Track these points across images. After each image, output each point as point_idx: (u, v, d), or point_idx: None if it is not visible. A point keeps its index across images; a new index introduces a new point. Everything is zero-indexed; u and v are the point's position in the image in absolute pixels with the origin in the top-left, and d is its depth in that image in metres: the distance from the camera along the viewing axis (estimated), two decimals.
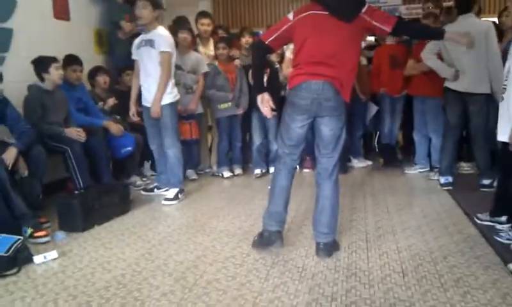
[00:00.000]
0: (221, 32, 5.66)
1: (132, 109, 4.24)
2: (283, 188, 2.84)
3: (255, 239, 2.95)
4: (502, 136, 2.97)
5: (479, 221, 3.26)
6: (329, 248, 2.80)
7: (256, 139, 5.01)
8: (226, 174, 5.01)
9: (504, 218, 3.14)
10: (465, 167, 4.91)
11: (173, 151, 4.09)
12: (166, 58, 3.95)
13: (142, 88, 4.13)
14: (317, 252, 2.80)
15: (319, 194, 2.81)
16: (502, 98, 3.00)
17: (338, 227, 2.99)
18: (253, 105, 4.83)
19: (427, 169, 4.93)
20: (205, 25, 5.17)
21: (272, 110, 2.82)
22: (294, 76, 2.71)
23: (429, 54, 4.24)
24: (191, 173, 4.95)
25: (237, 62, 5.06)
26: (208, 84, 4.87)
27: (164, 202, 4.04)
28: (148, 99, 4.06)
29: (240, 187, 4.66)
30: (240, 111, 4.96)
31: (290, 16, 2.72)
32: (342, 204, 3.71)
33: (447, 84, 4.15)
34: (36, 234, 3.13)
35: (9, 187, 3.15)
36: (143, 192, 4.41)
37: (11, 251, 2.68)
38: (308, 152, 4.52)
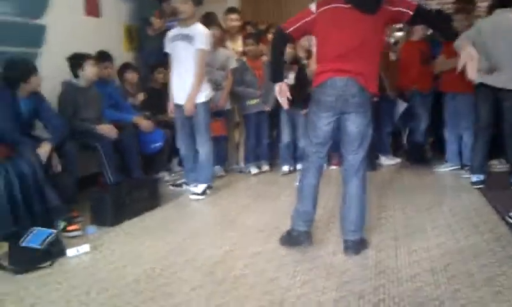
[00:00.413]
0: (249, 29, 5.67)
1: (171, 106, 4.20)
2: (312, 187, 2.83)
3: (283, 236, 2.96)
4: None
5: (510, 220, 3.19)
6: (357, 246, 2.79)
7: (285, 136, 4.99)
8: (254, 170, 5.03)
9: None
10: (497, 165, 4.79)
11: (204, 150, 4.12)
12: (202, 56, 3.97)
13: (174, 84, 4.11)
14: (345, 250, 2.80)
15: (345, 191, 2.79)
16: None
17: (367, 225, 2.97)
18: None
19: (458, 167, 4.84)
20: (234, 20, 5.18)
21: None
22: (318, 73, 2.70)
23: (460, 41, 4.07)
24: (218, 169, 4.98)
25: (264, 58, 5.06)
26: (236, 79, 4.89)
27: (191, 196, 4.08)
28: (182, 97, 4.04)
29: (267, 183, 4.67)
30: (267, 108, 4.96)
31: (313, 7, 2.67)
32: (370, 202, 3.69)
33: (482, 80, 4.04)
34: (68, 228, 3.22)
35: (44, 182, 3.24)
36: (171, 187, 4.47)
37: (45, 244, 2.76)
38: (336, 149, 4.49)
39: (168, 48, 4.12)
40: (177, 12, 4.01)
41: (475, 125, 4.29)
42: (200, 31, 3.98)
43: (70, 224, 3.24)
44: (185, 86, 3.98)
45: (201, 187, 4.12)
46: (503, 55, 3.90)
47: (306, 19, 2.68)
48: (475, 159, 4.26)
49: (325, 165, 3.70)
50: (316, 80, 2.70)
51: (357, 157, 2.73)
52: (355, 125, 2.67)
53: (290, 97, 2.84)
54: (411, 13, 2.59)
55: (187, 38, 3.95)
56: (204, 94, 4.06)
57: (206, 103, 4.08)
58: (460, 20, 4.58)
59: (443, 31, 2.69)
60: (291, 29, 2.72)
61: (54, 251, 2.81)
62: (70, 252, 2.87)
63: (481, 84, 4.05)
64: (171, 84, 4.16)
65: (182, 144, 4.26)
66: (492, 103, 4.06)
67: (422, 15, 2.67)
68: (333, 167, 5.04)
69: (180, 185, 4.46)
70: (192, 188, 4.21)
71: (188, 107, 3.98)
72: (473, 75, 2.55)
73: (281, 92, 2.83)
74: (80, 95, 3.94)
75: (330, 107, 2.65)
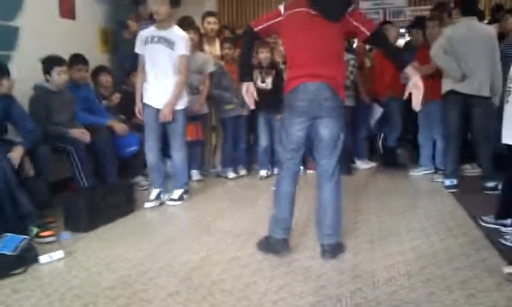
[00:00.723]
0: (227, 33, 5.67)
1: (139, 105, 4.00)
2: (288, 194, 2.83)
3: (261, 242, 2.95)
4: (507, 139, 2.97)
5: (483, 224, 3.26)
6: (333, 250, 2.80)
7: (263, 140, 5.01)
8: (231, 175, 5.02)
9: (509, 221, 3.14)
10: (469, 170, 4.90)
11: (179, 155, 4.07)
12: (184, 62, 3.92)
13: (149, 86, 3.95)
14: (322, 254, 2.81)
15: (320, 195, 2.81)
16: (507, 101, 3.00)
17: (343, 228, 2.99)
18: (258, 106, 4.85)
19: (431, 171, 4.93)
20: (212, 23, 5.18)
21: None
22: (290, 79, 2.71)
23: (439, 52, 4.17)
24: (195, 173, 4.96)
25: None
26: (214, 83, 4.88)
27: (168, 202, 4.04)
28: (159, 100, 3.92)
29: (245, 188, 4.67)
30: (244, 112, 4.96)
31: (282, 9, 2.69)
32: (346, 206, 3.72)
33: (453, 87, 4.14)
34: (42, 234, 3.15)
35: (16, 186, 3.17)
36: (147, 205, 4.03)
37: (17, 250, 2.70)
38: (312, 153, 4.53)
39: (139, 49, 3.94)
40: (154, 14, 3.90)
41: (446, 131, 4.39)
42: (180, 35, 3.91)
43: (43, 229, 3.17)
44: (165, 90, 3.88)
45: (177, 193, 4.08)
46: (473, 62, 4.01)
47: (275, 20, 2.71)
48: (448, 164, 4.35)
49: (302, 169, 3.72)
50: (288, 86, 2.72)
51: (331, 162, 2.75)
52: (328, 129, 2.69)
53: (256, 97, 2.86)
54: (367, 33, 2.65)
55: (167, 42, 3.85)
56: (184, 100, 4.02)
57: (184, 110, 4.04)
58: (432, 27, 4.68)
59: (393, 60, 2.74)
60: (259, 27, 2.75)
61: (26, 258, 2.74)
62: (43, 258, 2.80)
63: (452, 91, 4.14)
64: (144, 85, 3.97)
65: (150, 151, 4.03)
66: (462, 109, 4.15)
67: (377, 39, 2.73)
68: (310, 171, 5.07)
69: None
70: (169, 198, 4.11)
71: (166, 112, 3.87)
72: (417, 106, 2.60)
73: (247, 92, 2.83)
74: (53, 98, 3.87)
75: (303, 112, 2.66)
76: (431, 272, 2.58)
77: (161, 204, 4.03)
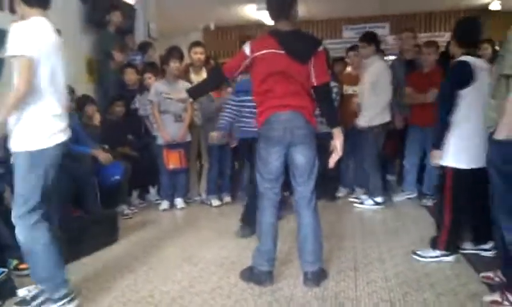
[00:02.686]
0: (212, 63, 5.73)
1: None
2: (271, 225, 2.82)
3: (245, 272, 2.93)
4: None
5: (463, 251, 3.27)
6: (316, 277, 2.79)
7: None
8: (215, 202, 5.00)
9: (488, 245, 3.17)
10: None
11: None
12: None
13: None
14: (305, 282, 2.79)
15: (300, 222, 2.81)
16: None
17: (326, 255, 2.98)
18: None
19: (414, 195, 4.97)
20: (198, 53, 5.23)
21: None
22: (261, 112, 2.74)
23: None
24: (179, 201, 4.93)
25: (229, 90, 5.10)
26: (203, 112, 4.93)
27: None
28: None
29: (229, 215, 4.63)
30: (233, 145, 4.98)
31: (247, 50, 2.72)
32: (330, 231, 3.73)
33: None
34: (20, 266, 3.09)
35: None
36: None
37: None
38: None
39: None
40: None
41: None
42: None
43: (21, 262, 3.11)
44: None
45: None
46: None
47: (244, 63, 2.74)
48: None
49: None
50: (260, 120, 2.75)
51: (307, 188, 2.77)
52: (303, 156, 2.72)
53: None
54: (315, 84, 2.72)
55: None
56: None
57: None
58: (428, 53, 4.76)
59: (327, 116, 2.85)
60: (232, 74, 2.85)
61: (4, 291, 2.69)
62: (21, 292, 2.74)
63: None
64: None
65: None
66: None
67: (322, 93, 2.77)
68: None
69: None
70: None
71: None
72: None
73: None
74: None
75: (278, 141, 2.69)
76: (414, 298, 2.58)
77: None
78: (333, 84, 4.84)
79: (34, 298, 2.55)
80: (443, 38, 8.33)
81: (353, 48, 5.31)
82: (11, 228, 3.19)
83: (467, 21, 3.39)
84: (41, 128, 2.37)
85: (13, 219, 2.45)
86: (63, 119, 2.50)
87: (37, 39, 2.33)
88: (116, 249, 3.64)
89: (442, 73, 4.63)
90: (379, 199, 4.71)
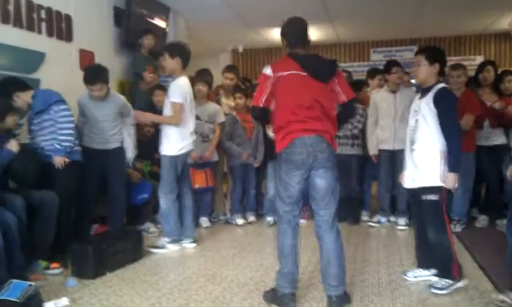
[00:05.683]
0: (248, 85, 5.75)
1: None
2: (292, 247, 2.81)
3: (268, 293, 2.93)
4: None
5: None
6: (340, 301, 2.76)
7: (271, 188, 5.03)
8: (240, 221, 5.03)
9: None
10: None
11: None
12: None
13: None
14: (329, 305, 2.77)
15: (322, 246, 2.80)
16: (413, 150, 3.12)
17: (350, 279, 2.95)
18: (268, 155, 4.91)
19: None
20: (228, 79, 5.33)
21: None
22: (284, 136, 2.74)
23: None
24: (204, 220, 4.98)
25: None
26: (226, 133, 5.00)
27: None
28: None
29: (253, 235, 4.65)
30: (256, 164, 5.03)
31: (268, 71, 2.75)
32: (354, 255, 3.70)
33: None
34: (51, 266, 3.21)
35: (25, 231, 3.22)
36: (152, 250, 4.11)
37: (23, 297, 2.70)
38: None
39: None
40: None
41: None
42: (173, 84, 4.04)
43: (51, 261, 3.23)
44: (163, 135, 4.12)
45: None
46: None
47: (269, 85, 2.75)
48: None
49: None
50: (282, 144, 2.75)
51: (329, 211, 2.77)
52: (325, 179, 2.73)
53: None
54: (345, 100, 2.84)
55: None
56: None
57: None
58: (457, 76, 4.66)
59: (339, 121, 2.92)
60: (262, 101, 2.78)
61: (32, 304, 2.74)
62: (48, 305, 2.81)
63: None
64: None
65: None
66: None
67: (349, 108, 2.92)
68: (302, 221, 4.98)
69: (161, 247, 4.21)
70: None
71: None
72: None
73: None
74: None
75: (301, 165, 2.70)
76: None
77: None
78: (358, 105, 4.84)
79: None
80: (474, 61, 8.24)
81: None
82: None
83: None
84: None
85: None
86: None
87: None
88: (140, 266, 3.69)
89: (474, 97, 4.55)
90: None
